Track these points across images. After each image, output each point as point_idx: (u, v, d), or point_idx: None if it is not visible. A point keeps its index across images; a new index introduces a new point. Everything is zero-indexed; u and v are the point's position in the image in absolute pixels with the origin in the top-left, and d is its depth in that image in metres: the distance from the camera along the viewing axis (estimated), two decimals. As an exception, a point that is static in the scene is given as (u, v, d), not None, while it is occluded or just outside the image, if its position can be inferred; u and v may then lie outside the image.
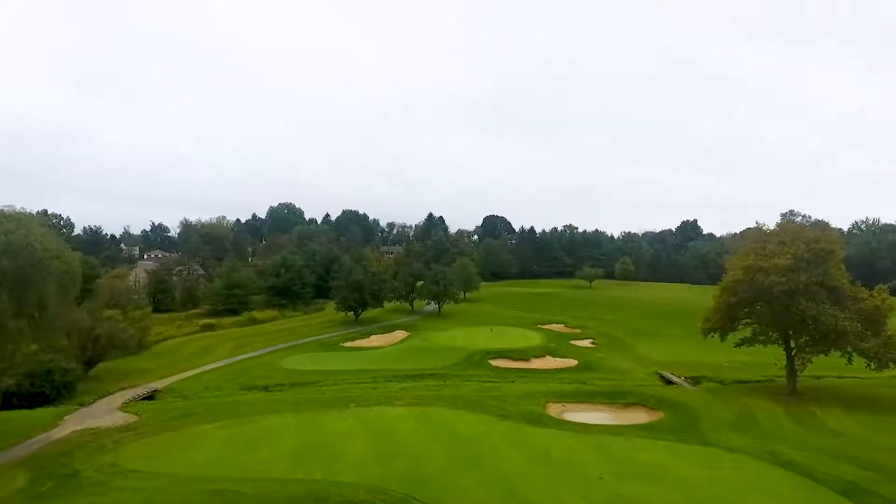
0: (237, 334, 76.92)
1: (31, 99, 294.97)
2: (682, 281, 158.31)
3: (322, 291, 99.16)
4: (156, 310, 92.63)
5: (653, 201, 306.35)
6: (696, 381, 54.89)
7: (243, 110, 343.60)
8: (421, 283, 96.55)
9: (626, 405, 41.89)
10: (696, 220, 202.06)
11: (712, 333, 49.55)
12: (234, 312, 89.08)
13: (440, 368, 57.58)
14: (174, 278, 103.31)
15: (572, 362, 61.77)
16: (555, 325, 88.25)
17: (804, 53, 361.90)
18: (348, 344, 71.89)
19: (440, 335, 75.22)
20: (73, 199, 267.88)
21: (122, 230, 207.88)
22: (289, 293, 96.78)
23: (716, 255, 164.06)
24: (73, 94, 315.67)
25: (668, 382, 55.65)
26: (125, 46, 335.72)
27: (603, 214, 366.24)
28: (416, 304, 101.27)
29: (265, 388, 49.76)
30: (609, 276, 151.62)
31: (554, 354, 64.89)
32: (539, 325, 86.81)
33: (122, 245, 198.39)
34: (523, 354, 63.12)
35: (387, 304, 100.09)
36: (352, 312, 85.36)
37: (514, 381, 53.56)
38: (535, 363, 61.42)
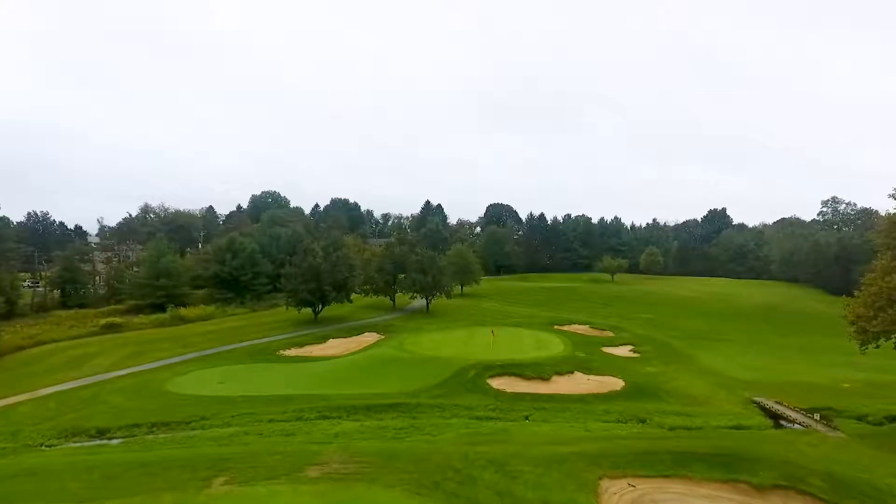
0: (144, 338, 56.30)
1: (25, 97, 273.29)
2: (713, 274, 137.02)
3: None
4: (64, 305, 72.70)
5: (667, 196, 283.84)
6: (818, 415, 33.68)
7: (239, 108, 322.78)
8: (403, 275, 75.45)
9: (763, 489, 20.71)
10: (724, 209, 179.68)
11: (882, 339, 28.62)
12: (161, 308, 68.59)
13: (412, 394, 36.75)
14: (101, 267, 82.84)
15: (616, 382, 40.64)
16: (577, 327, 67.19)
17: (824, 41, 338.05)
18: (290, 352, 51.03)
19: (423, 340, 54.25)
20: (66, 197, 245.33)
21: (97, 223, 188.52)
22: (236, 285, 76.08)
23: (755, 245, 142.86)
24: (66, 91, 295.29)
25: (777, 419, 34.69)
26: (117, 43, 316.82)
27: (616, 209, 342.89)
28: (401, 300, 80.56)
29: (101, 434, 29.12)
30: (632, 269, 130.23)
31: (586, 370, 43.76)
32: (556, 327, 65.84)
33: (97, 238, 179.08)
34: (541, 370, 42.04)
35: (361, 300, 79.40)
36: (309, 309, 64.53)
37: (528, 418, 32.81)
38: (560, 384, 40.34)
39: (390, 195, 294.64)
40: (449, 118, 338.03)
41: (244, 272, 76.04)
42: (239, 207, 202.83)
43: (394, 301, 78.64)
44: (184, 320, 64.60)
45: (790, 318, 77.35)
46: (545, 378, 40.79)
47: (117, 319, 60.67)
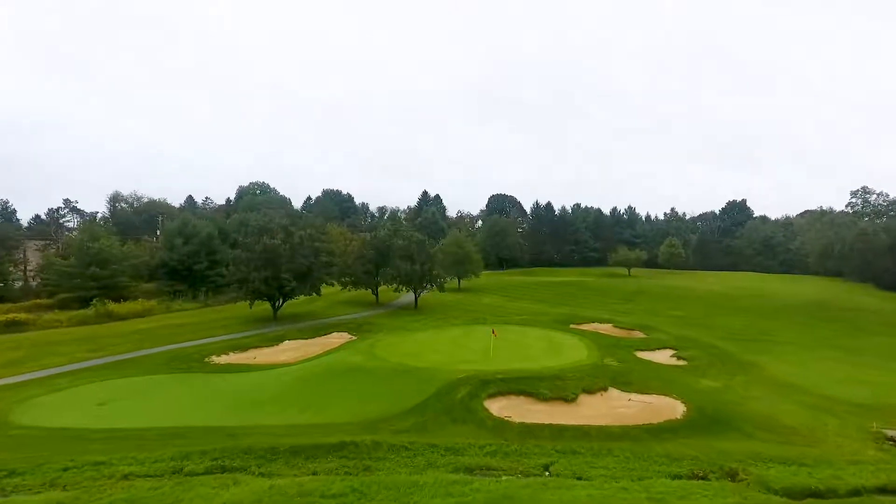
0: (48, 339, 44.17)
1: (26, 94, 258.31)
2: (736, 269, 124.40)
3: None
4: (-20, 299, 60.53)
5: (669, 193, 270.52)
6: None
7: (240, 108, 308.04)
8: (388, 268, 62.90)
9: None
10: (744, 201, 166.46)
11: None
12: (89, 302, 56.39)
13: (370, 425, 24.35)
14: (36, 256, 70.76)
15: (671, 405, 28.15)
16: (598, 326, 54.77)
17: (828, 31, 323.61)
18: (225, 358, 38.69)
19: (402, 343, 41.87)
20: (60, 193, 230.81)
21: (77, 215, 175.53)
22: (189, 275, 63.78)
23: (783, 237, 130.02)
24: (54, 85, 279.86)
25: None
26: (103, 35, 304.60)
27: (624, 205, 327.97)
28: (388, 294, 68.28)
29: None
30: (649, 263, 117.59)
31: (624, 384, 31.27)
32: (573, 326, 53.47)
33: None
34: (561, 387, 29.57)
35: (341, 294, 67.30)
36: (267, 304, 52.17)
37: (549, 470, 20.43)
38: (591, 407, 27.90)
39: (390, 195, 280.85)
40: (452, 116, 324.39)
41: (198, 260, 63.75)
42: (228, 201, 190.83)
43: (376, 295, 66.27)
44: (112, 317, 52.46)
45: (850, 315, 64.69)
46: (569, 399, 28.33)
47: (21, 316, 48.55)
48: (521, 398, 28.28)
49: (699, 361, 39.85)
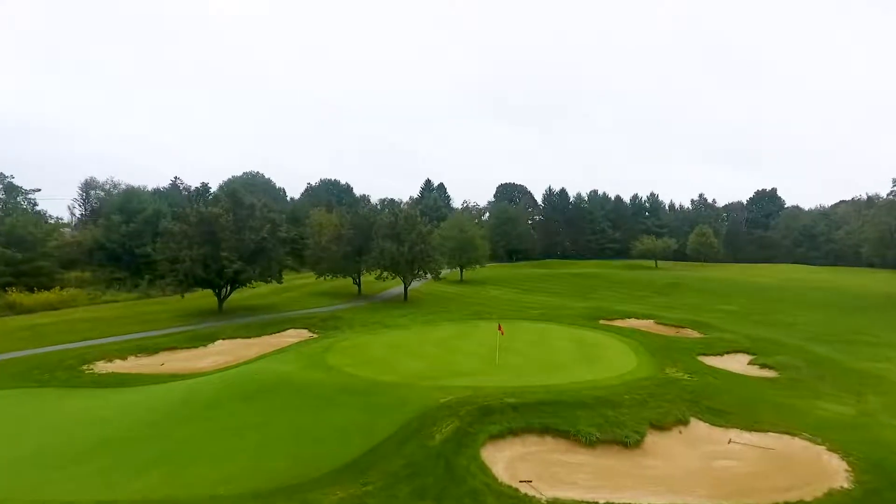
0: None
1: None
2: (770, 261, 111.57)
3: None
4: None
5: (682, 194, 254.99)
6: None
7: (245, 108, 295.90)
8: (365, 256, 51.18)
9: None
10: (774, 189, 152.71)
11: None
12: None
13: (262, 501, 12.41)
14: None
15: (815, 457, 16.03)
16: (637, 322, 42.66)
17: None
18: (119, 364, 27.24)
19: (371, 343, 29.99)
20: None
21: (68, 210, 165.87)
22: (131, 260, 52.55)
23: (825, 227, 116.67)
24: (58, 87, 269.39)
25: None
26: (102, 33, 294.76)
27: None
28: (375, 285, 56.69)
29: None
30: (677, 254, 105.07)
31: (712, 413, 19.18)
32: (604, 322, 41.42)
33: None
34: (612, 419, 17.51)
35: (320, 284, 55.92)
36: (208, 294, 40.66)
37: None
38: (668, 455, 15.93)
39: (395, 193, 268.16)
40: (454, 116, 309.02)
41: (140, 242, 52.47)
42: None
43: (359, 285, 54.59)
44: (15, 309, 41.40)
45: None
46: (630, 442, 16.34)
47: None
48: (548, 441, 16.39)
49: (796, 372, 27.61)
